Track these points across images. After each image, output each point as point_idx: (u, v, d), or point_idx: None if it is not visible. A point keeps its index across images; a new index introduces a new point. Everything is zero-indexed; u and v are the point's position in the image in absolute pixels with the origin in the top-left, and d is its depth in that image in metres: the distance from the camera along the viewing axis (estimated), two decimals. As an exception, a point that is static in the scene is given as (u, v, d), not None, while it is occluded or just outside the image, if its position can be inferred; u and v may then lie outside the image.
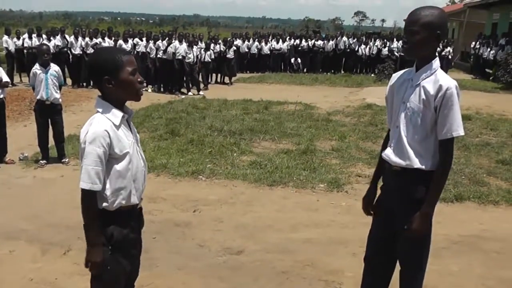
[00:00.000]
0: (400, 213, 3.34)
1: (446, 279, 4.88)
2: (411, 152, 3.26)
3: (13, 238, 5.84)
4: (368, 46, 26.25)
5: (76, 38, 19.54)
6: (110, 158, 2.89)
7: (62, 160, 8.57)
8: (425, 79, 3.25)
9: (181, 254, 5.25)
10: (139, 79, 2.96)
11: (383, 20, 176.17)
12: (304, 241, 5.60)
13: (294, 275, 4.91)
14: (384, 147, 3.60)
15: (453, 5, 46.18)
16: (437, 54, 3.41)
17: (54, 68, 8.63)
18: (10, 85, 10.30)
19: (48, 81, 8.44)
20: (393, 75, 3.63)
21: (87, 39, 19.58)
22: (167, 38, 18.68)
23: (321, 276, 4.90)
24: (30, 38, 19.91)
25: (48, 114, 8.65)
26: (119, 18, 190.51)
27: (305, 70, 26.64)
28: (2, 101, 8.77)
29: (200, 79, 19.44)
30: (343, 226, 6.09)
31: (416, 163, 3.25)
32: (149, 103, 14.86)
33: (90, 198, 2.89)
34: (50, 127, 8.80)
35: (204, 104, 14.80)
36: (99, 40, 19.54)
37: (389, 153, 3.40)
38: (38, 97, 8.54)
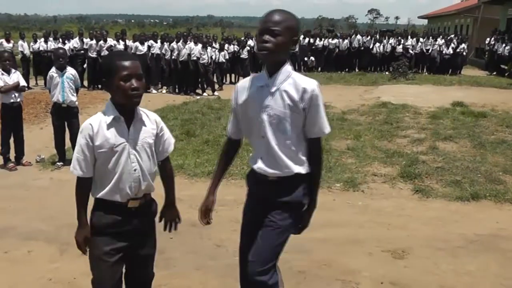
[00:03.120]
0: (274, 212, 3.27)
1: (462, 278, 4.87)
2: (286, 160, 3.22)
3: (31, 238, 5.95)
4: (382, 44, 26.14)
5: (95, 41, 19.67)
6: (96, 150, 3.11)
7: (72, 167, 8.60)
8: (282, 83, 3.17)
9: (198, 254, 5.29)
10: (132, 86, 3.02)
11: (397, 18, 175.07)
12: (320, 240, 5.61)
13: (311, 275, 4.95)
14: (227, 159, 3.58)
15: (467, 0, 45.80)
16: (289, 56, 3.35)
17: (70, 71, 8.73)
18: (26, 89, 10.41)
19: (64, 84, 8.54)
20: (238, 84, 3.45)
21: (101, 41, 19.71)
22: (182, 40, 18.74)
23: (338, 275, 4.93)
24: (46, 41, 20.09)
25: (64, 117, 8.75)
26: (133, 21, 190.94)
27: (319, 69, 26.55)
28: (19, 105, 8.91)
29: (215, 79, 19.50)
30: (359, 225, 6.12)
31: (295, 168, 3.24)
32: (165, 104, 15.03)
33: (78, 183, 3.22)
34: (67, 129, 8.90)
35: (219, 105, 14.86)
36: (114, 42, 19.69)
37: (261, 166, 3.27)
38: (54, 100, 8.65)
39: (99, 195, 3.21)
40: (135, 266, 3.40)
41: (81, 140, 3.13)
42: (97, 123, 3.12)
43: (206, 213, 3.57)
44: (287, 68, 3.20)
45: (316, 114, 3.19)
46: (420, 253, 5.39)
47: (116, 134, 3.11)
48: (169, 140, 3.37)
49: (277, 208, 3.27)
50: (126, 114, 3.13)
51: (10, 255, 5.58)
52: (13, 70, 8.84)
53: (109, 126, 3.11)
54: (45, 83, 18.86)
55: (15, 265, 5.32)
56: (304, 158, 3.28)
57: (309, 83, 3.15)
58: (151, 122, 3.24)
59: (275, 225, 3.26)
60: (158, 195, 3.41)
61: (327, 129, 3.27)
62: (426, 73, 25.78)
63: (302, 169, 3.26)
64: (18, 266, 5.31)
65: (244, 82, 3.38)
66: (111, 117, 3.11)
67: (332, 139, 10.21)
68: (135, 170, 3.14)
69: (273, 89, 3.16)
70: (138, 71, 3.08)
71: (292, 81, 3.16)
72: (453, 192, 7.22)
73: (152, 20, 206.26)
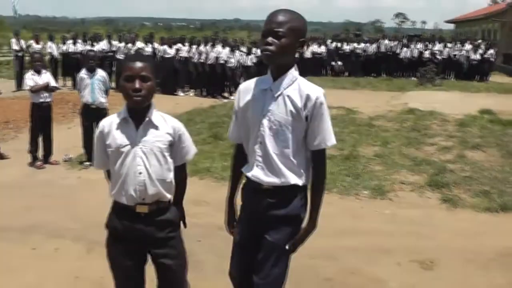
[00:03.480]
0: (273, 230, 3.09)
1: (493, 292, 4.76)
2: (284, 169, 3.03)
3: (58, 236, 6.02)
4: (409, 49, 25.90)
5: (124, 43, 19.89)
6: (106, 149, 3.18)
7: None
8: (286, 88, 3.00)
9: (225, 258, 5.23)
10: (133, 87, 3.01)
11: (423, 22, 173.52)
12: (348, 248, 5.59)
13: (338, 283, 4.92)
14: (237, 164, 3.35)
15: (495, 5, 45.17)
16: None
17: (101, 73, 8.85)
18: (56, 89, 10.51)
19: (94, 85, 8.64)
20: (241, 86, 3.29)
21: (129, 44, 19.88)
22: (210, 43, 18.78)
23: (365, 284, 4.90)
24: (74, 43, 20.30)
25: (93, 118, 8.77)
26: (160, 24, 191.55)
27: (346, 73, 26.44)
28: (49, 105, 9.04)
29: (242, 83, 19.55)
30: (387, 234, 6.06)
31: (292, 179, 3.04)
32: (192, 107, 15.06)
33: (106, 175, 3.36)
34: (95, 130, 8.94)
35: (246, 108, 14.81)
36: (142, 45, 19.88)
37: (257, 173, 3.10)
38: (84, 101, 8.77)
39: (111, 195, 3.25)
40: (160, 277, 3.36)
41: (95, 138, 3.27)
42: (109, 123, 3.19)
43: (231, 226, 3.46)
44: (293, 72, 3.03)
45: (320, 124, 3.00)
46: (450, 264, 5.32)
47: (124, 135, 3.13)
48: (188, 148, 3.32)
49: (274, 224, 3.09)
50: (137, 116, 3.13)
51: (37, 251, 5.65)
52: (43, 71, 8.97)
53: (118, 126, 3.15)
54: (73, 84, 19.24)
55: (43, 262, 5.39)
56: (303, 170, 3.09)
57: (314, 90, 2.99)
58: (167, 127, 3.19)
59: (275, 246, 3.09)
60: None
61: (330, 141, 3.05)
62: (453, 79, 25.51)
63: (299, 181, 3.07)
64: (45, 262, 5.37)
65: (248, 84, 3.23)
66: (121, 118, 3.15)
67: (359, 145, 10.18)
68: (140, 173, 3.10)
69: (276, 94, 3.01)
70: (142, 72, 3.04)
71: (297, 87, 3.00)
72: (482, 202, 7.11)
73: (179, 23, 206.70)
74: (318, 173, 3.13)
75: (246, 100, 3.14)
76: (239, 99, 3.22)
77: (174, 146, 3.23)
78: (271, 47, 2.91)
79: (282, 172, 3.03)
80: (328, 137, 3.03)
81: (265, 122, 3.02)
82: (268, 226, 3.10)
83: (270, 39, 2.91)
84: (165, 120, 3.21)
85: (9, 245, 5.81)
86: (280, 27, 2.89)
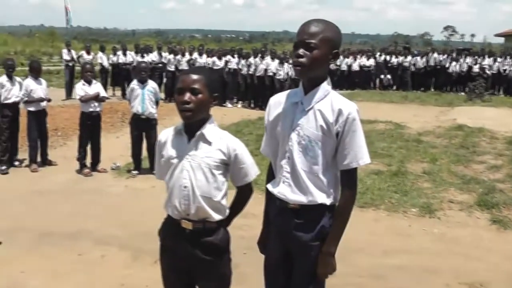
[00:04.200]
0: (301, 254, 2.97)
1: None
2: (311, 186, 2.88)
3: (105, 243, 6.09)
4: (458, 63, 25.43)
5: (173, 55, 20.12)
6: (161, 159, 3.19)
7: (154, 172, 8.66)
8: (318, 102, 2.86)
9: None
10: (182, 99, 2.96)
11: (472, 35, 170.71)
12: (396, 267, 5.48)
13: (386, 303, 4.81)
14: (269, 181, 3.16)
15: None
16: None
17: (151, 84, 8.99)
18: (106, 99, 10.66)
19: (144, 96, 8.75)
20: (272, 98, 3.14)
21: (178, 56, 20.12)
22: (259, 55, 18.82)
23: (413, 305, 4.77)
24: (124, 54, 20.62)
25: (142, 128, 8.93)
26: (209, 35, 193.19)
27: (394, 87, 26.16)
28: (98, 114, 9.20)
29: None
30: (435, 254, 5.91)
31: (320, 198, 2.88)
32: (240, 118, 15.14)
33: None
34: (144, 140, 9.10)
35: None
36: (194, 56, 20.04)
37: (283, 190, 2.96)
38: (134, 111, 8.88)
39: (164, 206, 3.23)
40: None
41: (156, 147, 3.27)
42: (166, 134, 3.19)
43: (263, 247, 3.31)
44: (325, 86, 2.89)
45: (351, 141, 2.82)
46: (500, 288, 5.16)
47: (175, 147, 3.09)
48: (247, 169, 3.15)
49: (303, 248, 2.94)
50: (191, 129, 3.06)
51: (84, 257, 5.73)
52: (94, 81, 9.13)
53: (173, 138, 3.13)
54: (122, 94, 19.52)
55: (89, 268, 5.46)
56: (331, 188, 2.92)
57: (347, 105, 2.83)
58: (221, 144, 3.06)
59: (307, 273, 2.97)
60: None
61: (363, 159, 2.87)
62: (503, 95, 24.91)
63: (327, 200, 2.90)
64: (91, 269, 5.44)
65: (279, 97, 3.10)
66: (177, 129, 3.12)
67: (408, 161, 10.01)
68: (185, 187, 3.02)
69: (307, 108, 2.87)
70: (193, 85, 2.96)
71: (329, 101, 2.85)
72: (534, 225, 6.89)
73: (228, 35, 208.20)
74: (347, 195, 2.92)
75: (276, 113, 3.04)
76: (269, 112, 3.11)
77: (230, 166, 3.10)
78: (302, 60, 2.79)
79: (310, 190, 2.89)
80: (361, 155, 2.86)
81: (294, 136, 2.91)
82: (298, 248, 2.98)
83: (301, 51, 2.79)
84: (221, 137, 3.09)
85: (56, 250, 5.89)
86: (311, 38, 2.77)
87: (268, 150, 3.16)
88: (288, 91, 3.12)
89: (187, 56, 20.12)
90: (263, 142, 3.22)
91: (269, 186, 3.10)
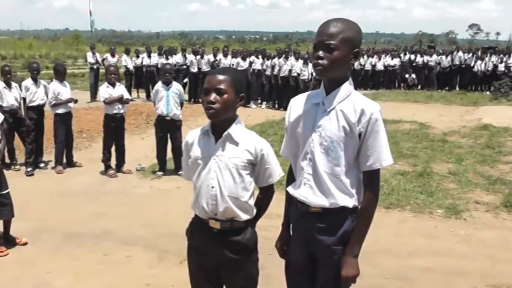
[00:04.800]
0: (325, 258, 2.92)
1: None
2: (333, 188, 2.82)
3: (130, 243, 6.14)
4: (483, 62, 25.11)
5: (195, 57, 20.17)
6: (188, 160, 3.20)
7: (179, 172, 8.74)
8: (340, 102, 2.80)
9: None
10: (208, 99, 2.96)
11: (497, 33, 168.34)
12: (422, 269, 5.43)
13: (412, 305, 4.76)
14: (290, 184, 3.10)
15: None
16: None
17: (176, 86, 9.01)
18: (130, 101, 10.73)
19: (169, 98, 8.78)
20: (293, 100, 3.08)
21: (206, 57, 20.20)
22: (283, 56, 18.83)
23: (440, 308, 4.72)
24: (149, 56, 20.75)
25: (167, 129, 8.97)
26: (233, 37, 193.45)
27: (419, 86, 25.97)
28: (122, 116, 9.26)
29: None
30: (462, 256, 5.84)
31: (341, 201, 2.82)
32: (264, 119, 15.14)
33: None
34: (169, 141, 9.14)
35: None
36: (219, 57, 20.12)
37: (304, 193, 2.91)
38: (159, 112, 8.91)
39: (191, 206, 3.23)
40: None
41: (183, 148, 3.30)
42: (193, 135, 3.20)
43: (283, 251, 3.27)
44: (347, 86, 2.83)
45: (374, 142, 2.77)
46: (528, 291, 5.08)
47: (203, 147, 3.10)
48: (272, 170, 3.14)
49: (326, 252, 2.89)
50: (218, 130, 3.06)
51: (109, 258, 5.77)
52: (117, 83, 9.18)
53: (199, 138, 3.14)
54: (146, 96, 19.62)
55: (114, 268, 5.50)
56: (354, 190, 2.86)
57: (370, 105, 2.77)
58: (248, 145, 3.06)
59: (332, 277, 2.91)
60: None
61: (386, 161, 2.80)
62: (528, 94, 24.53)
63: (349, 203, 2.84)
64: (117, 269, 5.49)
65: (300, 98, 3.04)
66: (204, 130, 3.12)
67: (433, 161, 9.94)
68: (212, 187, 3.03)
69: (329, 108, 2.82)
70: (218, 85, 2.96)
71: (351, 101, 2.79)
72: (561, 227, 6.78)
73: (252, 36, 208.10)
74: (369, 196, 2.86)
75: (297, 114, 2.98)
76: (289, 113, 3.05)
77: (257, 166, 3.10)
78: (322, 61, 2.73)
79: (332, 192, 2.83)
80: (384, 156, 2.80)
81: (315, 137, 2.85)
82: (321, 252, 2.93)
83: (321, 52, 2.74)
84: (248, 138, 3.09)
85: (82, 250, 5.95)
86: (331, 39, 2.71)
87: (288, 152, 3.11)
88: (309, 92, 3.08)
89: (211, 58, 20.15)
90: (283, 144, 3.17)
91: (290, 189, 3.06)
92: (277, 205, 3.29)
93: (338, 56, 2.71)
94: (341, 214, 2.86)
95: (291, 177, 3.13)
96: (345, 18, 2.83)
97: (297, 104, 3.02)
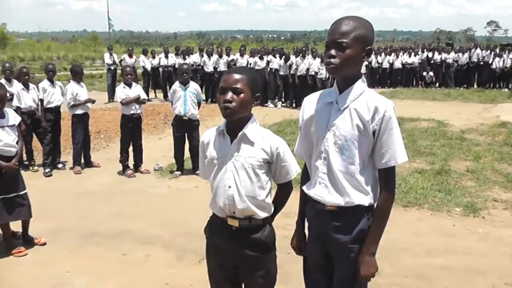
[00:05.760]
0: (341, 256, 2.91)
1: None
2: (348, 187, 2.81)
3: (149, 243, 6.18)
4: (502, 59, 24.85)
5: (208, 56, 20.21)
6: (205, 159, 3.22)
7: (197, 172, 8.76)
8: (353, 100, 2.79)
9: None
10: (224, 98, 2.96)
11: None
12: (440, 267, 5.40)
13: (431, 303, 4.73)
14: (304, 182, 3.10)
15: None
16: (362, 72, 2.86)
17: (194, 86, 9.04)
18: (146, 101, 10.79)
19: (186, 97, 8.81)
20: (306, 99, 3.08)
21: (215, 56, 20.25)
22: (300, 55, 18.80)
23: (459, 306, 4.69)
24: (166, 57, 20.87)
25: (185, 129, 9.00)
26: (251, 36, 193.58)
27: (437, 84, 25.80)
28: (139, 116, 9.30)
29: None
30: (480, 254, 5.79)
31: (357, 199, 2.81)
32: (282, 118, 15.17)
33: None
34: (187, 141, 9.17)
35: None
36: (236, 56, 20.20)
37: (320, 192, 2.90)
38: (176, 112, 8.95)
39: (209, 203, 3.24)
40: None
41: (200, 148, 3.31)
42: (209, 135, 3.21)
43: (299, 249, 3.28)
44: (360, 84, 2.83)
45: (388, 139, 2.76)
46: (548, 289, 5.03)
47: (219, 147, 3.11)
48: (288, 167, 3.15)
49: (343, 250, 2.89)
50: (233, 130, 3.08)
51: (128, 257, 5.81)
52: (134, 84, 9.22)
53: (215, 138, 3.15)
54: (164, 96, 19.69)
55: (133, 268, 5.53)
56: (369, 188, 2.85)
57: (383, 103, 2.76)
58: (264, 144, 3.08)
59: (349, 277, 2.91)
60: (280, 211, 3.32)
61: (400, 157, 2.80)
62: (547, 91, 24.24)
63: (365, 201, 2.83)
64: (135, 268, 5.52)
65: (313, 97, 3.04)
66: (219, 130, 3.13)
67: (451, 159, 9.90)
68: (229, 187, 3.05)
69: (343, 107, 2.81)
70: (235, 85, 2.97)
71: (364, 99, 2.79)
72: None
73: (270, 35, 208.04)
74: (385, 193, 2.85)
75: (310, 113, 2.99)
76: (303, 112, 3.06)
77: (273, 164, 3.12)
78: (334, 60, 2.72)
79: (347, 191, 2.82)
80: (399, 154, 2.79)
81: (329, 136, 2.85)
82: (338, 251, 2.93)
83: (333, 51, 2.72)
84: (264, 136, 3.10)
85: (101, 250, 6.00)
86: (343, 38, 2.69)
87: (302, 151, 3.12)
88: (322, 90, 3.07)
89: (225, 57, 20.19)
90: (297, 143, 3.18)
91: (305, 188, 3.06)
92: (294, 204, 3.29)
93: (351, 54, 2.70)
94: (357, 213, 2.85)
95: (306, 176, 3.13)
96: (357, 16, 2.82)
97: (311, 103, 3.02)
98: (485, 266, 5.48)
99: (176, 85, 9.05)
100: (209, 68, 20.00)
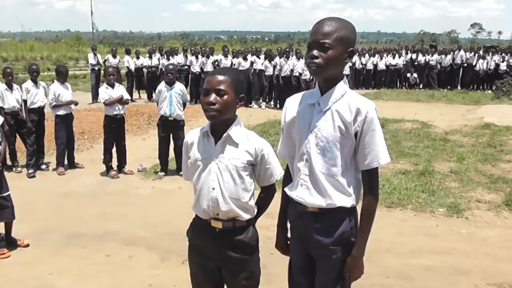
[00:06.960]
0: (323, 258, 2.92)
1: None
2: (330, 189, 2.80)
3: (133, 244, 6.16)
4: (485, 61, 25.06)
5: (195, 57, 20.22)
6: (188, 160, 3.19)
7: (181, 173, 8.68)
8: (335, 102, 2.78)
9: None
10: (208, 100, 2.93)
11: (499, 32, 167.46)
12: (424, 268, 5.42)
13: (414, 304, 4.75)
14: (287, 184, 3.08)
15: None
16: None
17: (179, 86, 9.02)
18: (130, 101, 10.75)
19: (172, 98, 8.80)
20: (288, 100, 3.08)
21: (202, 57, 20.28)
22: (284, 55, 18.82)
23: (441, 307, 4.71)
24: (150, 57, 20.82)
25: (170, 129, 8.99)
26: (235, 37, 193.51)
27: (421, 86, 25.94)
28: (122, 117, 9.30)
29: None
30: (464, 255, 5.83)
31: (338, 201, 2.80)
32: (265, 119, 15.12)
33: None
34: (171, 141, 9.17)
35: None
36: (220, 57, 20.20)
37: (301, 194, 2.88)
38: (162, 112, 8.94)
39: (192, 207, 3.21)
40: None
41: (183, 149, 3.27)
42: (193, 135, 3.18)
43: (284, 250, 3.27)
44: (342, 85, 2.82)
45: (371, 140, 2.75)
46: (530, 289, 5.07)
47: (202, 148, 3.08)
48: (273, 170, 3.13)
49: (324, 252, 2.89)
50: (217, 131, 3.05)
51: (111, 258, 5.78)
52: (117, 84, 9.21)
53: (199, 139, 3.12)
54: (148, 97, 19.63)
55: (117, 269, 5.51)
56: (351, 190, 2.84)
57: (365, 104, 2.74)
58: (248, 146, 3.05)
59: (331, 279, 2.92)
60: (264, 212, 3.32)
61: (383, 159, 2.79)
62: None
63: (347, 202, 2.82)
64: (119, 270, 5.50)
65: (295, 98, 3.03)
66: (203, 131, 3.10)
67: (435, 160, 9.96)
68: (213, 188, 3.02)
69: (324, 108, 2.80)
70: (218, 86, 2.94)
71: (346, 101, 2.77)
72: None
73: (254, 36, 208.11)
74: (369, 195, 2.85)
75: (292, 115, 2.98)
76: (285, 113, 3.05)
77: (257, 167, 3.10)
78: (317, 61, 2.70)
79: (328, 192, 2.81)
80: (381, 155, 2.78)
81: (311, 138, 2.83)
82: (319, 252, 2.92)
83: (315, 51, 2.70)
84: (248, 138, 3.08)
85: (84, 251, 5.97)
86: (326, 38, 2.68)
87: (285, 152, 3.10)
88: (304, 92, 3.07)
89: (211, 58, 20.19)
90: (279, 144, 3.17)
91: (287, 190, 3.04)
92: (278, 204, 3.28)
93: (333, 55, 2.69)
94: (339, 215, 2.85)
95: (288, 178, 3.12)
96: (340, 17, 2.81)
97: (293, 104, 3.02)
98: (468, 266, 5.51)
99: (162, 85, 9.02)
100: (195, 68, 20.00)
